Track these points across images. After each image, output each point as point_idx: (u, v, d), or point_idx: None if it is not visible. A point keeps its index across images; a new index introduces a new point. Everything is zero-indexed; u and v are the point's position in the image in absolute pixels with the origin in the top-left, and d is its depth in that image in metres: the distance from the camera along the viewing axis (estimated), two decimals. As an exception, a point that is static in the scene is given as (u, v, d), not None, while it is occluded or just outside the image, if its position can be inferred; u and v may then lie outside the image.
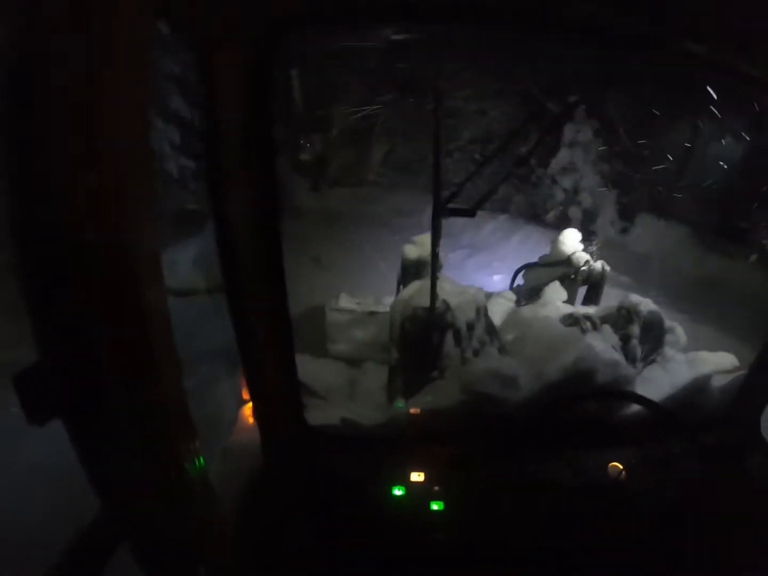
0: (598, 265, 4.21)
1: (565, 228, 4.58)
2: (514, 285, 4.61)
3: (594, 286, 4.16)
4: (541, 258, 4.62)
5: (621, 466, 2.35)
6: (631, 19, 1.69)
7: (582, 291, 4.44)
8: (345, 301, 3.80)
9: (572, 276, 4.23)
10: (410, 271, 3.41)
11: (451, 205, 2.38)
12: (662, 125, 12.34)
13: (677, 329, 3.50)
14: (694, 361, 3.37)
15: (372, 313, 3.68)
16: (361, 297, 3.91)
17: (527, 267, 4.63)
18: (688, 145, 12.29)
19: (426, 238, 2.82)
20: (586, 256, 4.30)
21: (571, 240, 4.38)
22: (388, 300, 3.18)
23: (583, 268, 4.19)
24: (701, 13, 1.59)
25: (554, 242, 4.49)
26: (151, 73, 1.13)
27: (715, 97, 8.68)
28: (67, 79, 0.94)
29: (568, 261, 4.29)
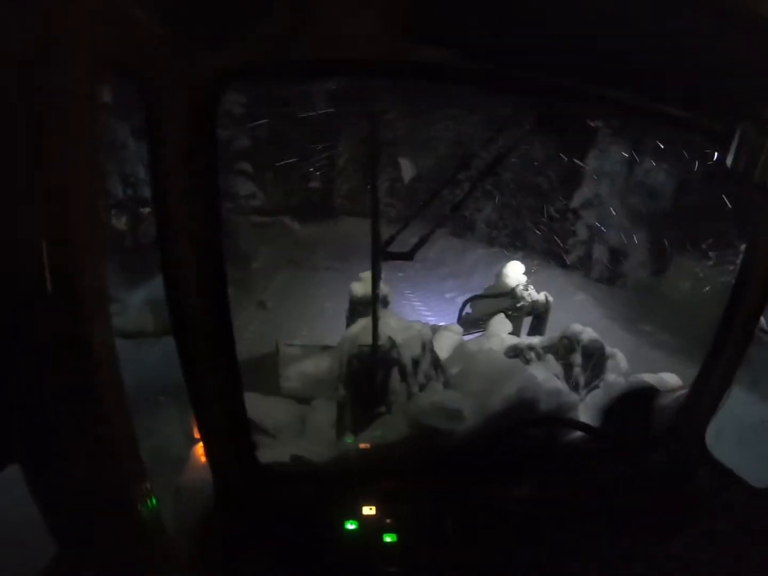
0: (542, 296, 4.31)
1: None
2: (463, 315, 4.68)
3: (538, 316, 4.25)
4: (486, 289, 4.72)
5: (568, 490, 2.41)
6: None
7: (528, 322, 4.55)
8: (298, 340, 3.83)
9: (516, 308, 4.31)
10: (358, 308, 3.46)
11: (389, 249, 2.44)
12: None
13: (617, 355, 3.62)
14: (635, 384, 3.46)
15: (325, 347, 3.70)
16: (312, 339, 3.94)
17: (474, 298, 4.72)
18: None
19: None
20: (529, 289, 4.40)
21: (514, 272, 4.49)
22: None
23: (527, 299, 4.28)
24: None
25: (498, 274, 4.60)
26: (102, 122, 1.17)
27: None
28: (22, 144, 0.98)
29: (512, 293, 4.39)
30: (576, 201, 15.64)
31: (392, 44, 1.73)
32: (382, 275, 2.73)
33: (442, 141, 19.05)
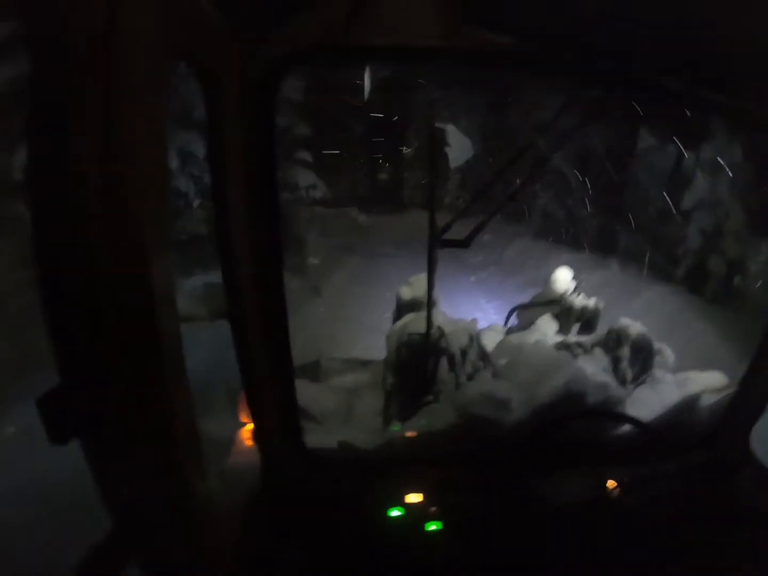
0: (592, 302, 4.24)
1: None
2: (508, 325, 4.63)
3: (588, 322, 4.17)
4: (534, 297, 4.66)
5: (615, 484, 2.40)
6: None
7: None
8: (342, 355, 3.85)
9: (566, 313, 4.25)
10: (404, 311, 3.45)
11: (445, 237, 2.46)
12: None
13: (666, 351, 3.57)
14: (683, 381, 3.41)
15: (366, 363, 3.74)
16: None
17: (521, 307, 4.67)
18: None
19: (421, 279, 2.90)
20: (579, 294, 4.33)
21: (563, 278, 4.44)
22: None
23: (576, 306, 4.22)
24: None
25: (546, 280, 4.55)
26: (167, 109, 1.21)
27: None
28: (88, 116, 1.02)
29: (560, 299, 4.34)
30: (687, 201, 13.22)
31: (447, 30, 1.74)
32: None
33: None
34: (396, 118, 20.46)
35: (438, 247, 2.48)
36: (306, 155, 17.83)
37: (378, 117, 19.82)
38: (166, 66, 1.21)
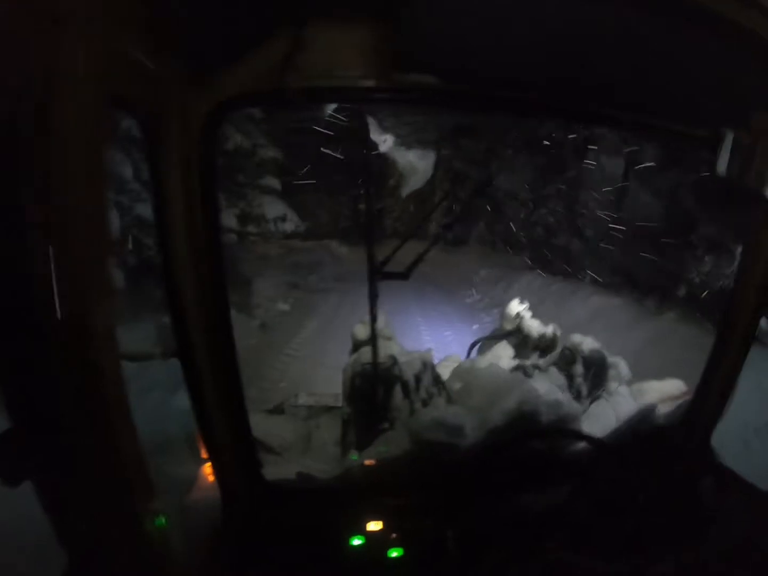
0: (549, 329, 4.30)
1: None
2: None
3: (546, 350, 4.22)
4: (493, 331, 4.73)
5: (575, 500, 2.43)
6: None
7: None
8: (304, 399, 3.83)
9: (524, 343, 4.31)
10: (360, 349, 3.47)
11: (385, 269, 2.49)
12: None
13: (620, 364, 3.63)
14: (639, 391, 3.47)
15: (330, 408, 3.72)
16: (319, 395, 3.92)
17: (481, 341, 4.72)
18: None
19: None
20: (535, 323, 4.39)
21: (516, 309, 4.51)
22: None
23: (534, 335, 4.28)
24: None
25: (502, 315, 4.62)
26: (108, 156, 1.22)
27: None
28: (33, 177, 1.03)
29: (518, 330, 4.40)
30: (628, 215, 13.17)
31: (381, 73, 1.79)
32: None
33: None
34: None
35: (378, 279, 2.51)
36: (273, 182, 17.55)
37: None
38: (105, 114, 1.23)
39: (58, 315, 1.08)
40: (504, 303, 4.75)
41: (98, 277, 1.19)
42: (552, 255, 15.84)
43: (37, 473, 1.15)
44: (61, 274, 1.08)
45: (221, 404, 2.17)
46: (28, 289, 1.06)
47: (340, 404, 3.54)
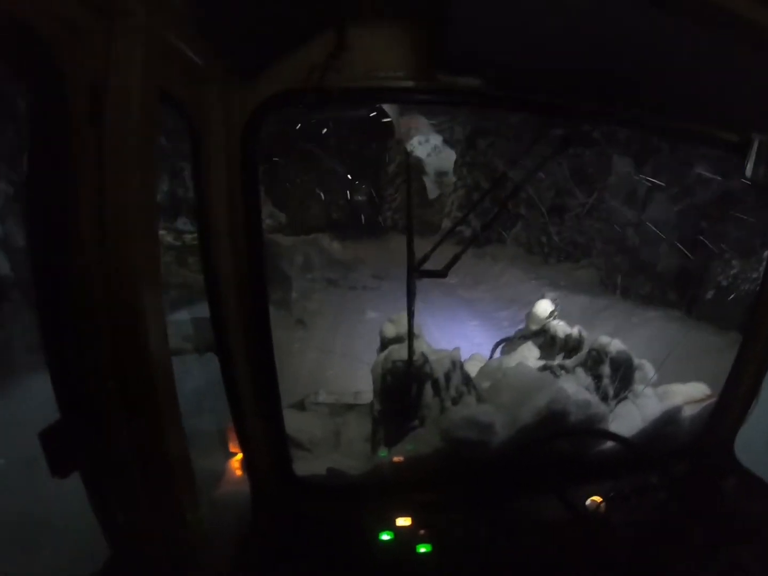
0: (575, 331, 4.29)
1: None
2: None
3: (572, 352, 4.21)
4: (517, 332, 4.72)
5: (600, 499, 2.44)
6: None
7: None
8: (323, 397, 3.85)
9: (550, 344, 4.30)
10: (389, 347, 3.48)
11: (423, 268, 2.52)
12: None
13: (646, 366, 3.63)
14: (664, 394, 3.46)
15: (357, 405, 3.75)
16: (339, 393, 3.94)
17: (505, 341, 4.72)
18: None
19: (403, 317, 2.95)
20: (561, 324, 4.39)
21: (543, 310, 4.50)
22: (368, 395, 3.26)
23: (560, 336, 4.27)
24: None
25: (528, 315, 4.62)
26: (156, 148, 1.27)
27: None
28: (84, 164, 1.08)
29: (543, 331, 4.40)
30: (655, 220, 12.87)
31: (419, 73, 1.83)
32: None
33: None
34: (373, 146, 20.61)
35: (416, 277, 2.54)
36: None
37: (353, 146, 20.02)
38: (155, 107, 1.27)
39: (107, 305, 1.13)
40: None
41: (148, 267, 1.23)
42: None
43: (84, 465, 1.19)
44: (112, 264, 1.12)
45: (256, 399, 2.22)
46: (79, 281, 1.10)
47: (360, 402, 3.58)
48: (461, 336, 10.89)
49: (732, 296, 10.87)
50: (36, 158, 1.08)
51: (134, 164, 1.17)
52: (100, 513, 1.26)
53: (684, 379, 3.58)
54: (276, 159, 17.25)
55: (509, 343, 4.66)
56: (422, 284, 2.60)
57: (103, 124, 1.09)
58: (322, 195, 22.06)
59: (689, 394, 3.36)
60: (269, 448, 2.35)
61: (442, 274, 2.42)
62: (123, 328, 1.16)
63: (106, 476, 1.24)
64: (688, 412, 3.01)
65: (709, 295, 11.69)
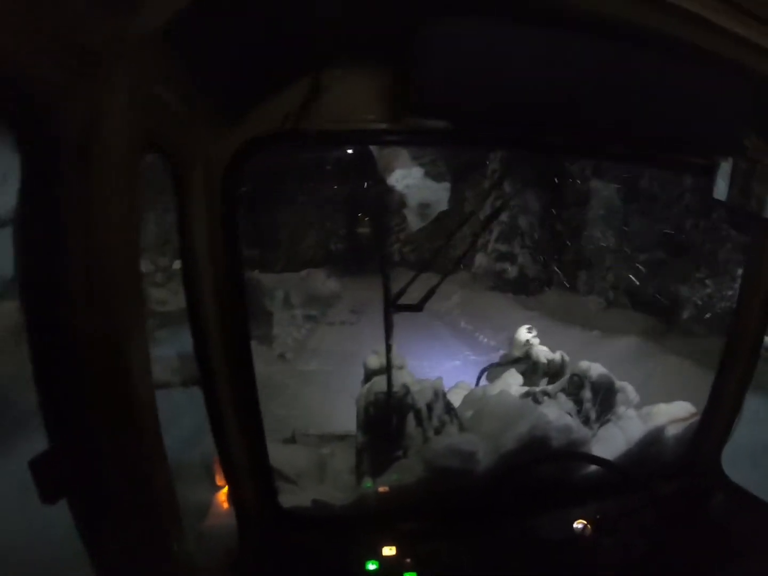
0: (557, 356, 4.34)
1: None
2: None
3: (555, 376, 4.25)
4: (501, 357, 4.77)
5: (587, 522, 2.45)
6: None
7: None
8: (315, 429, 3.87)
9: (533, 369, 4.35)
10: (372, 378, 3.51)
11: (399, 302, 2.56)
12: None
13: (627, 388, 3.67)
14: (648, 415, 3.48)
15: (343, 437, 3.78)
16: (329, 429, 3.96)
17: (490, 367, 4.77)
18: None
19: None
20: (543, 349, 4.46)
21: (524, 336, 4.56)
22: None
23: (542, 361, 4.32)
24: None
25: (511, 341, 4.67)
26: (140, 192, 1.31)
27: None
28: (73, 201, 1.11)
29: (526, 356, 4.46)
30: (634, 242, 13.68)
31: (391, 116, 1.89)
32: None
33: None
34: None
35: (393, 311, 2.58)
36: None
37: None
38: (139, 155, 1.31)
39: (95, 336, 1.16)
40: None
41: (133, 302, 1.27)
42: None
43: (73, 492, 1.21)
44: (98, 302, 1.16)
45: (241, 432, 2.24)
46: (66, 312, 1.14)
47: (344, 434, 3.59)
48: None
49: (708, 315, 11.05)
50: (26, 203, 1.11)
51: (120, 209, 1.20)
52: (87, 541, 1.27)
53: (666, 399, 3.62)
54: (256, 198, 17.38)
55: (494, 370, 4.69)
56: (403, 316, 2.63)
57: (90, 173, 1.13)
58: (302, 232, 22.28)
59: (673, 414, 3.38)
60: (255, 481, 2.35)
61: (418, 307, 2.46)
62: (108, 360, 1.19)
63: (94, 505, 1.25)
64: (673, 431, 3.04)
65: (685, 315, 11.87)
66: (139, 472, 1.30)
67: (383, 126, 1.95)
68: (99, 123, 1.12)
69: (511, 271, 18.50)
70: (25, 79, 1.02)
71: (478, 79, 1.66)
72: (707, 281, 11.46)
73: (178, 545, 1.45)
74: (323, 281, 19.41)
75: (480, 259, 19.01)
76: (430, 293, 2.52)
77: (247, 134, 1.91)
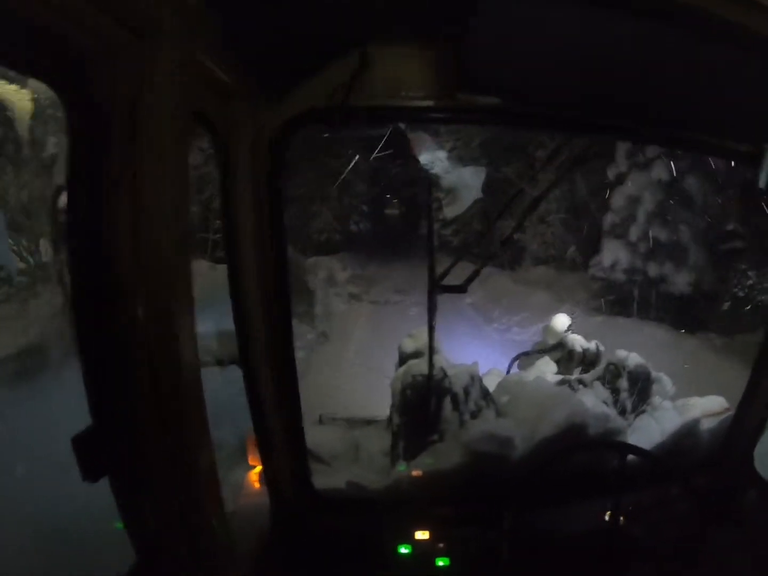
0: (592, 345, 4.29)
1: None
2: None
3: (589, 366, 4.20)
4: (535, 345, 4.73)
5: (620, 512, 2.43)
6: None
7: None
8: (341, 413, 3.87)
9: (567, 358, 4.30)
10: (407, 362, 3.50)
11: (443, 282, 2.55)
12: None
13: (663, 379, 3.63)
14: (683, 407, 3.46)
15: (369, 422, 3.78)
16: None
17: (522, 355, 4.74)
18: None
19: (422, 332, 2.98)
20: (578, 338, 4.41)
21: (560, 324, 4.51)
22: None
23: (578, 350, 4.27)
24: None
25: (545, 329, 4.62)
26: (187, 166, 1.31)
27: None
28: (120, 174, 1.12)
29: (560, 345, 4.42)
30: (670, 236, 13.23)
31: (441, 92, 1.86)
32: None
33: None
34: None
35: (437, 292, 2.57)
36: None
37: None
38: (186, 125, 1.31)
39: (141, 316, 1.16)
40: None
41: (181, 280, 1.27)
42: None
43: (115, 470, 1.22)
44: (145, 275, 1.16)
45: (278, 412, 2.24)
46: (112, 291, 1.14)
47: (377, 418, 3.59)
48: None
49: (748, 307, 10.84)
50: (74, 172, 1.12)
51: (168, 180, 1.20)
52: (128, 519, 1.29)
53: (701, 392, 3.58)
54: (301, 176, 17.48)
55: (526, 358, 4.65)
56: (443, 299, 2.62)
57: (138, 141, 1.13)
58: (344, 212, 22.36)
59: (707, 407, 3.36)
60: (290, 461, 2.37)
61: (461, 288, 2.45)
62: (156, 339, 1.19)
63: (135, 483, 1.27)
64: (707, 425, 3.00)
65: (726, 306, 11.65)
66: (183, 451, 1.31)
67: (432, 103, 1.93)
68: (146, 89, 1.12)
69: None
70: (78, 39, 1.02)
71: (530, 56, 1.64)
72: (750, 273, 11.21)
73: (218, 522, 1.47)
74: (366, 261, 19.53)
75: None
76: (475, 274, 2.51)
77: (293, 109, 1.90)
